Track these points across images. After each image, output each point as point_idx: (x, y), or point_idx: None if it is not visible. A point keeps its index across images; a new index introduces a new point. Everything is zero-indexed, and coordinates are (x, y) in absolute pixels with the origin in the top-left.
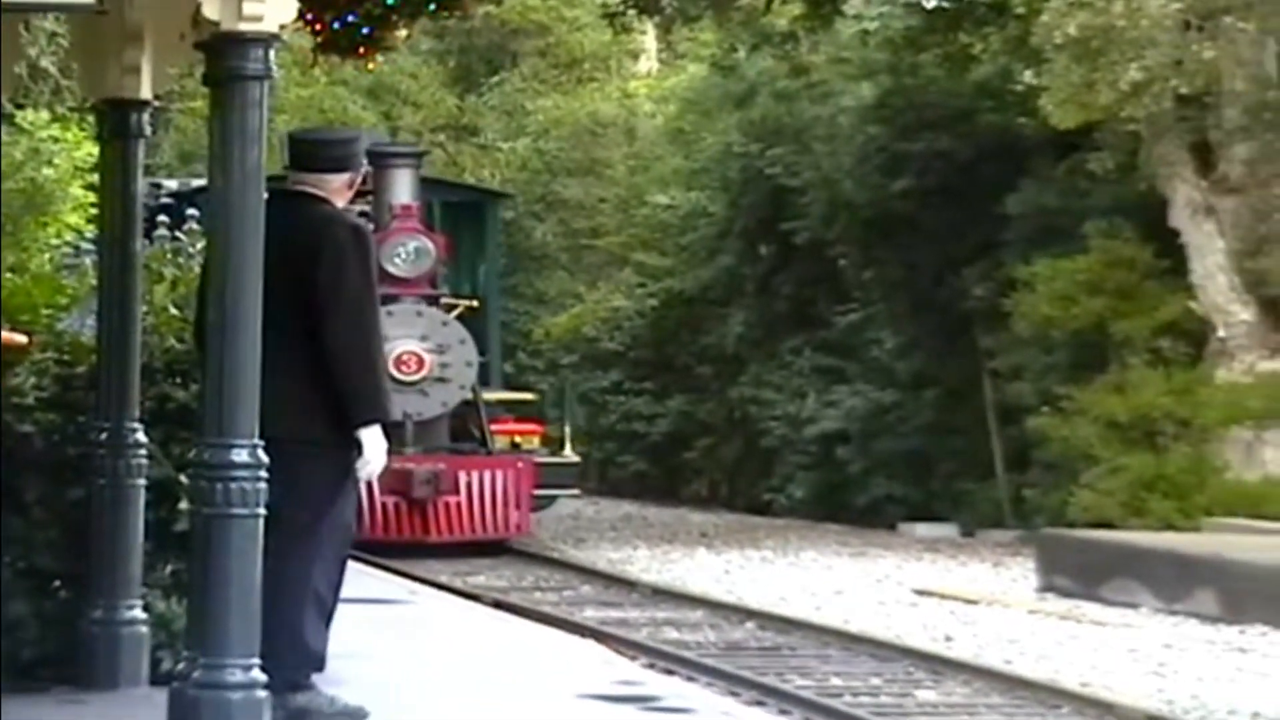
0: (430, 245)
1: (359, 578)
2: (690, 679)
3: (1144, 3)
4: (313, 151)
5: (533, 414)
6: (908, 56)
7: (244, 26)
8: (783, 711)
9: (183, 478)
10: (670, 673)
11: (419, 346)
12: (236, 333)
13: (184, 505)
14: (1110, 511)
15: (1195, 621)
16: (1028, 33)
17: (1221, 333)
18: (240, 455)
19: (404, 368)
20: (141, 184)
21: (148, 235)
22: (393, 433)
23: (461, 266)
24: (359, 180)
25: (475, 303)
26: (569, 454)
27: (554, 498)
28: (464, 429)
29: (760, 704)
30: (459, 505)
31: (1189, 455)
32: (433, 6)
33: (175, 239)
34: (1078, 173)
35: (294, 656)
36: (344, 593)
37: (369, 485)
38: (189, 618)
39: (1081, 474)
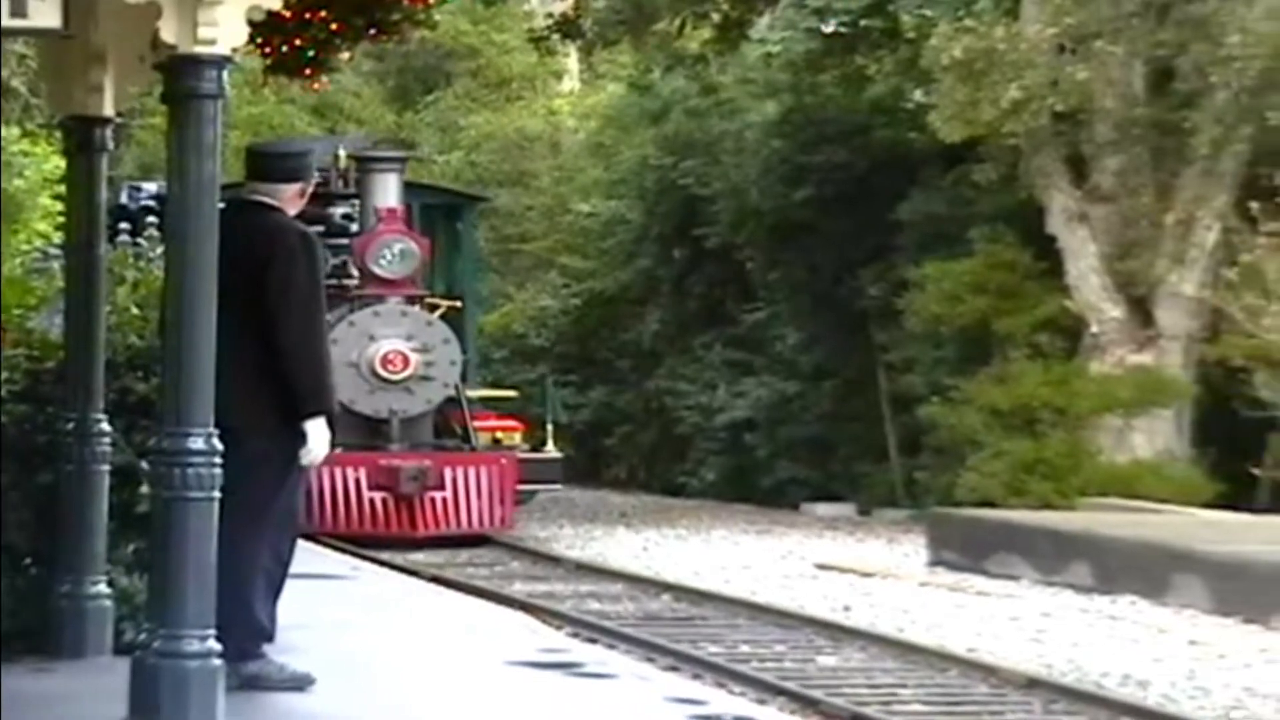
0: (415, 247)
1: (306, 555)
2: (611, 647)
3: (1023, 28)
4: (266, 163)
5: (512, 410)
6: (808, 77)
7: (199, 49)
8: (695, 676)
9: (144, 463)
10: (592, 641)
11: (404, 346)
12: (193, 330)
13: (145, 489)
14: (994, 492)
15: (1071, 592)
16: (917, 55)
17: (1094, 329)
18: (196, 443)
19: (390, 366)
20: (105, 194)
21: (111, 240)
22: (379, 429)
23: (438, 267)
24: (310, 190)
25: (459, 303)
26: (551, 450)
27: (534, 492)
28: (447, 425)
29: (675, 669)
30: (445, 500)
31: (1065, 441)
32: (372, 31)
33: (136, 244)
34: (963, 183)
35: (246, 628)
36: (292, 569)
37: (357, 482)
38: (149, 592)
39: (967, 458)
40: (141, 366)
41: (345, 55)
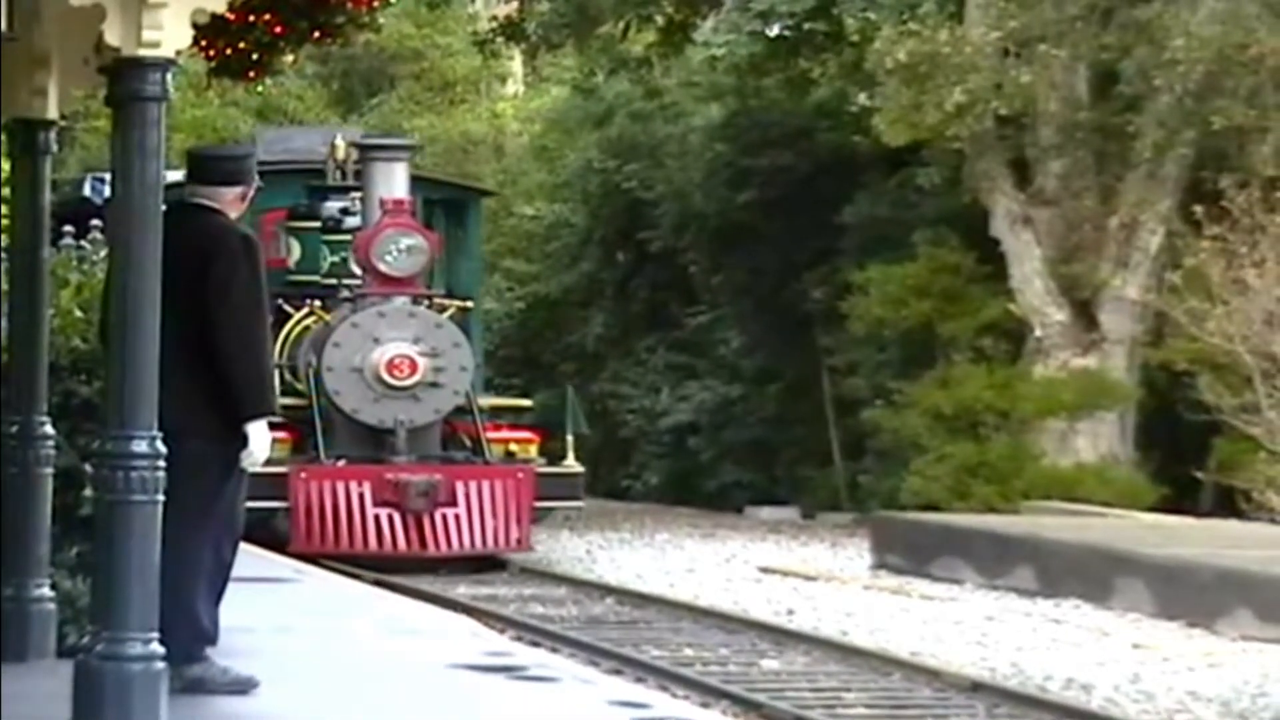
0: (424, 242)
1: (248, 559)
2: (554, 650)
3: (967, 31)
4: (208, 166)
5: (526, 421)
6: (752, 80)
7: (143, 52)
8: (638, 679)
9: (87, 467)
10: (536, 644)
11: (412, 349)
12: (136, 332)
13: (88, 492)
14: (937, 495)
15: (1014, 596)
16: (861, 59)
17: (1038, 332)
18: (140, 446)
19: (396, 372)
20: (49, 197)
21: (54, 243)
22: (383, 440)
23: (439, 265)
24: (251, 193)
25: (470, 303)
26: (572, 463)
27: (551, 509)
28: (453, 436)
29: (618, 672)
30: (457, 518)
31: (1008, 444)
32: (316, 34)
33: (80, 247)
34: (907, 186)
35: (189, 631)
36: (235, 572)
37: (360, 498)
38: (93, 595)
39: (911, 461)
40: (85, 369)
41: (289, 58)
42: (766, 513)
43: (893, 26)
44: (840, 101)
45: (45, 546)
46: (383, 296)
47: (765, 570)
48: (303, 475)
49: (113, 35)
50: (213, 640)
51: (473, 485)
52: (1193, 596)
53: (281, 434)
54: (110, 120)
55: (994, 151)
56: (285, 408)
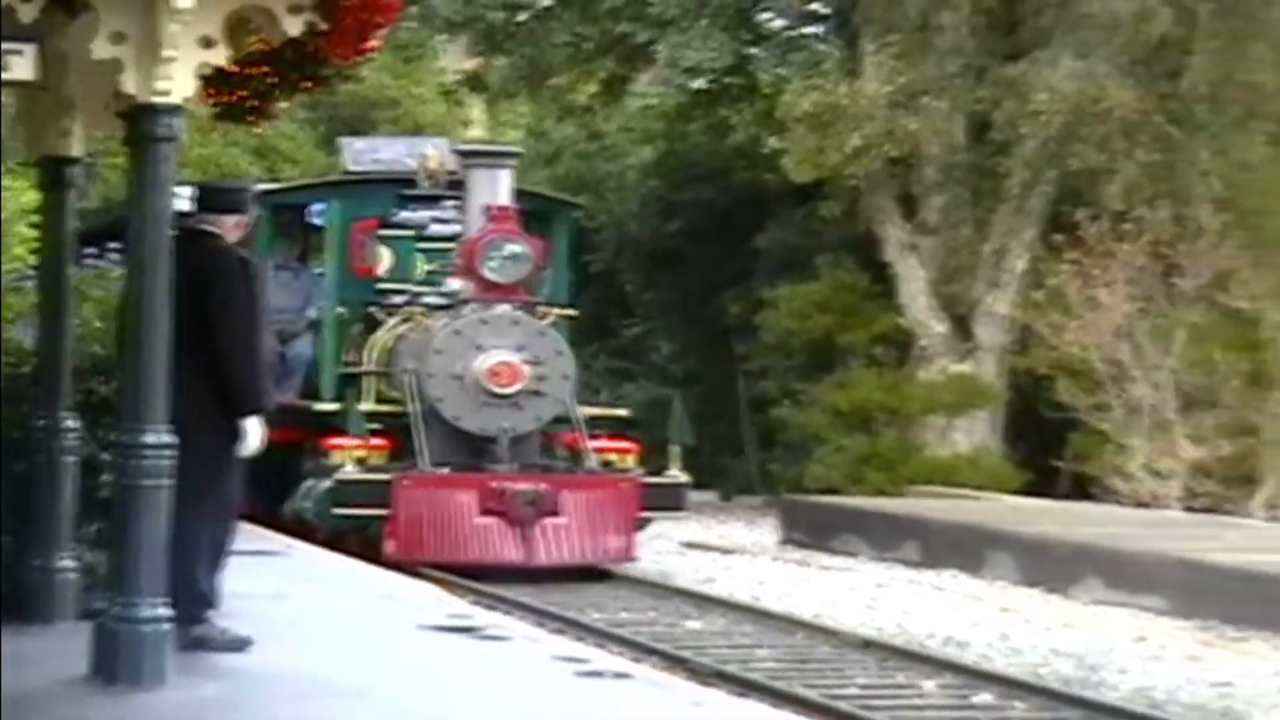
0: (529, 249)
1: (244, 535)
2: (507, 613)
3: (862, 86)
4: (211, 198)
5: (622, 430)
6: (679, 126)
7: (155, 99)
8: (579, 638)
9: (105, 455)
10: (492, 608)
11: (515, 357)
12: (148, 340)
13: (106, 477)
14: (836, 481)
15: (901, 566)
16: (773, 108)
17: (922, 342)
18: (150, 438)
19: (498, 379)
20: (74, 224)
21: (77, 263)
22: (485, 449)
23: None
24: (249, 221)
25: (573, 311)
26: (676, 473)
27: (649, 519)
28: (549, 445)
29: (561, 632)
30: (563, 528)
31: (896, 437)
32: (307, 84)
33: (99, 266)
34: (811, 217)
35: (192, 596)
36: (233, 546)
37: (465, 506)
38: (109, 566)
39: (814, 452)
40: (104, 372)
41: (283, 104)
42: (690, 496)
43: (800, 81)
44: (755, 144)
45: (68, 524)
46: (485, 303)
47: (689, 545)
48: (405, 483)
49: (129, 84)
50: (214, 605)
51: (578, 495)
52: (1052, 567)
53: (380, 441)
54: (128, 158)
55: (885, 188)
56: (381, 415)
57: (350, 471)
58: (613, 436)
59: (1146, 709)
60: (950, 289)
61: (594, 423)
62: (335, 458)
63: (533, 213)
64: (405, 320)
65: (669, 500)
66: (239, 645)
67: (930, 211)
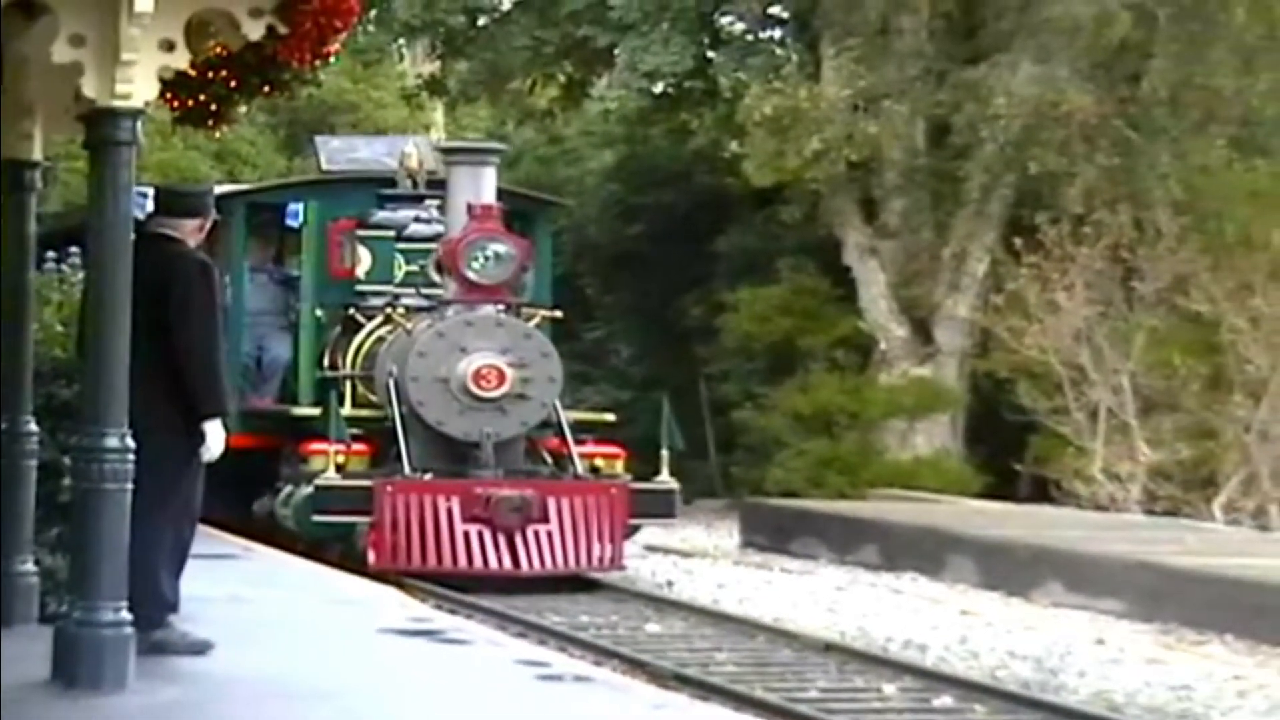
0: (513, 249)
1: (204, 539)
2: (469, 617)
3: (822, 90)
4: (171, 201)
5: (607, 435)
6: (640, 130)
7: (116, 103)
8: (541, 642)
9: (66, 459)
10: (454, 613)
11: (500, 360)
12: (109, 344)
13: (67, 481)
14: (797, 484)
15: (862, 570)
16: (733, 112)
17: (883, 346)
18: (111, 441)
19: (483, 383)
20: (34, 227)
21: (38, 267)
22: (468, 454)
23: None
24: (209, 224)
25: (559, 313)
26: (666, 479)
27: (638, 527)
28: (533, 450)
29: (523, 636)
30: (549, 535)
31: (857, 441)
32: (266, 88)
33: (60, 271)
34: (772, 221)
35: (153, 600)
36: (193, 549)
37: (449, 513)
38: (70, 570)
39: (774, 455)
40: (65, 375)
41: (243, 109)
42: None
43: (760, 85)
44: (715, 148)
45: (29, 528)
46: (468, 305)
47: (650, 548)
48: (389, 489)
49: (89, 88)
50: (174, 608)
51: (564, 501)
52: (1011, 570)
53: (360, 446)
54: (88, 161)
55: (845, 192)
56: (360, 419)
57: (331, 477)
58: (599, 441)
59: (1105, 711)
60: (911, 292)
61: (579, 427)
62: (315, 463)
63: (514, 212)
64: (385, 322)
65: (660, 507)
66: (199, 649)
67: (890, 215)
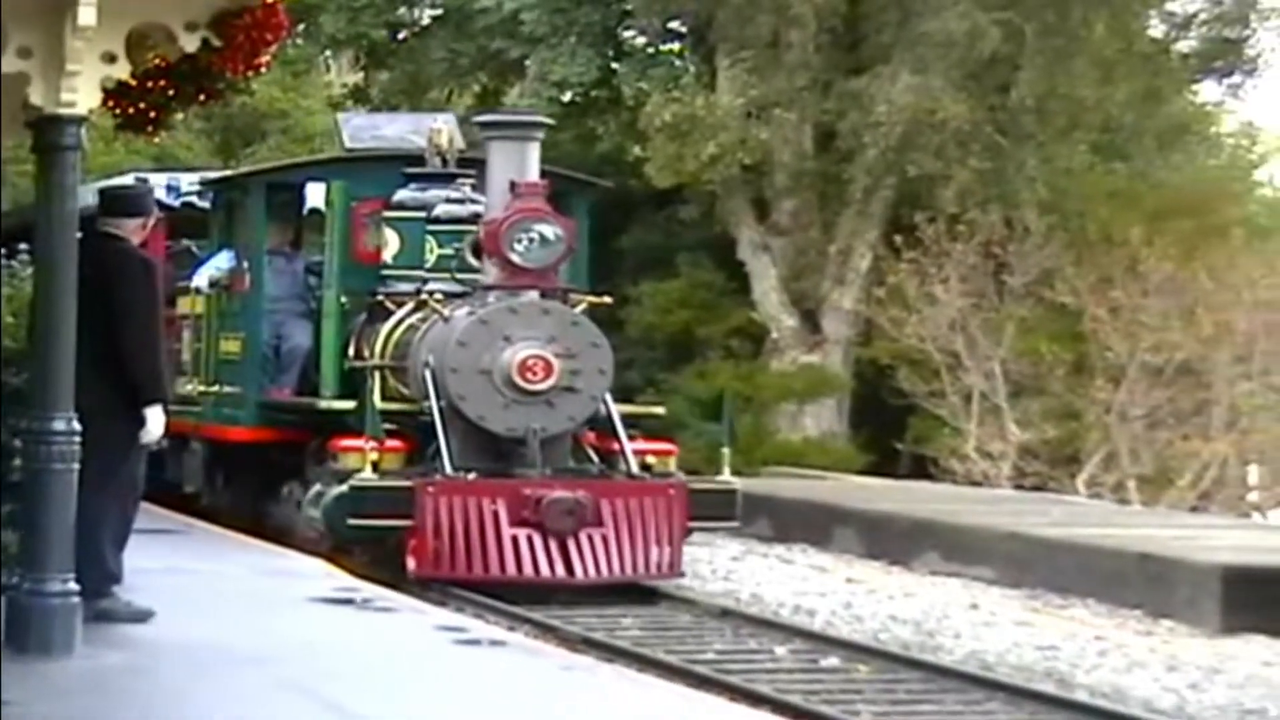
0: (561, 230)
1: (145, 515)
2: (392, 586)
3: (718, 98)
4: (114, 202)
5: (656, 430)
6: (550, 135)
7: (61, 111)
8: (459, 610)
9: (16, 442)
10: (378, 583)
11: (546, 350)
12: (56, 335)
13: (17, 462)
14: (696, 464)
15: (756, 541)
16: (636, 119)
17: (774, 335)
18: (58, 425)
19: (529, 375)
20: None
21: None
22: (513, 451)
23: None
24: (151, 223)
25: (608, 299)
26: (728, 478)
27: (693, 529)
28: (578, 447)
29: (443, 604)
30: (605, 540)
31: (751, 423)
32: (202, 96)
33: (10, 266)
34: (672, 220)
35: (98, 572)
36: (135, 525)
37: (495, 517)
38: (20, 544)
39: (675, 437)
40: (14, 364)
41: (180, 115)
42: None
43: (660, 94)
44: (619, 153)
45: None
46: (511, 291)
47: None
48: (430, 490)
49: (36, 96)
50: (118, 579)
51: (620, 503)
52: (893, 541)
53: (395, 443)
54: (35, 165)
55: (739, 193)
56: (393, 414)
57: (368, 477)
58: (649, 437)
59: (978, 670)
60: (800, 286)
61: (629, 422)
62: (349, 461)
63: (551, 193)
64: (417, 309)
65: (721, 508)
66: (141, 617)
67: (781, 214)
